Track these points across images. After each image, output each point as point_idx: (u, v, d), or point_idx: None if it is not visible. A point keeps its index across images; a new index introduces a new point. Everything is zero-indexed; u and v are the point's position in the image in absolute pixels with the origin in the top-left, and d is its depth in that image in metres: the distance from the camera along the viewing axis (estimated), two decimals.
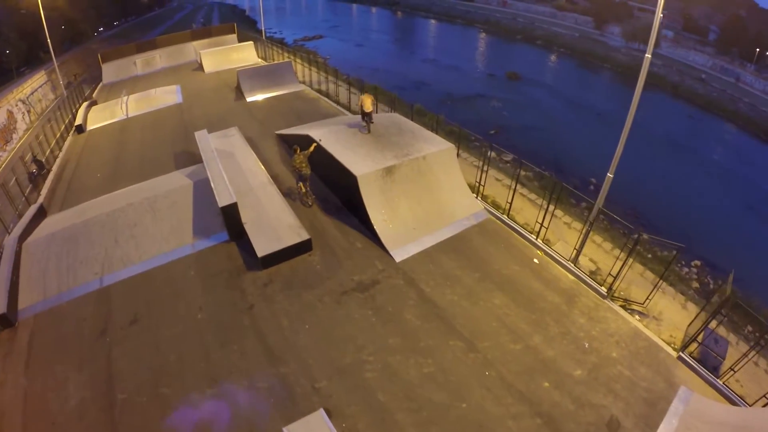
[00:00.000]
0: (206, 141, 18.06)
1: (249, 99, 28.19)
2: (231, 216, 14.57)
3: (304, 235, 14.44)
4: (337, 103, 27.32)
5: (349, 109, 26.22)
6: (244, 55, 38.95)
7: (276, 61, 38.07)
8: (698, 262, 22.64)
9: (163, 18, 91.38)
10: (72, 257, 14.16)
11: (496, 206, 17.29)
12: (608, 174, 13.09)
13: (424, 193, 15.93)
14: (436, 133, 18.67)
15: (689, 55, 66.78)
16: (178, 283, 13.75)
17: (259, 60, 39.06)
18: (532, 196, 19.30)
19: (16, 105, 35.95)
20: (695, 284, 19.18)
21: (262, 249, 13.90)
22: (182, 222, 15.52)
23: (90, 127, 28.02)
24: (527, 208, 17.62)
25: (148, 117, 28.29)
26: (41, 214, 17.19)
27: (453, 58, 53.68)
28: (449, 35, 73.96)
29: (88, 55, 55.07)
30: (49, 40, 32.64)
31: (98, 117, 29.12)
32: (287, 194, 17.14)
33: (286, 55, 37.51)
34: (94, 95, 37.01)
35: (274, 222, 15.03)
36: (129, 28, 76.59)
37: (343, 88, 28.24)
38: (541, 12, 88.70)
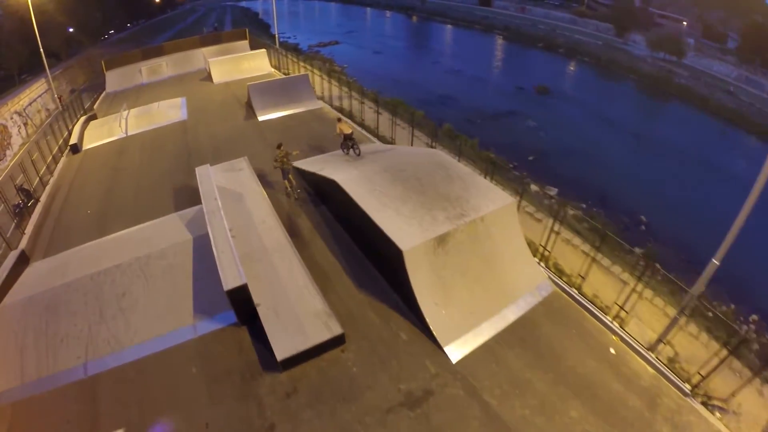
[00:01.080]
0: (209, 183, 14.24)
1: (261, 118, 24.42)
2: (240, 299, 10.69)
3: (336, 329, 10.75)
4: (362, 125, 23.28)
5: (377, 134, 22.21)
6: (256, 64, 35.12)
7: (291, 72, 34.29)
8: (756, 317, 18.46)
9: (174, 21, 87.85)
10: (52, 332, 11.19)
11: (559, 271, 13.79)
12: (713, 260, 10.10)
13: (482, 265, 12.17)
14: (473, 163, 14.67)
15: (713, 65, 62.30)
16: (177, 386, 10.36)
17: (272, 70, 35.22)
18: (584, 245, 15.34)
19: (11, 118, 32.29)
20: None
21: (282, 349, 10.29)
22: (180, 293, 11.99)
23: (86, 146, 24.79)
24: (574, 256, 14.21)
25: (149, 136, 24.82)
26: (23, 260, 14.26)
27: (477, 68, 49.53)
28: (469, 42, 69.68)
29: (94, 59, 51.49)
30: (41, 50, 28.91)
31: (95, 135, 25.75)
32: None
33: (301, 64, 33.65)
34: (95, 106, 33.55)
35: (295, 305, 11.26)
36: (139, 32, 73.09)
37: (368, 106, 24.27)
38: (560, 18, 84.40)
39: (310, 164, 17.26)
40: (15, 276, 13.20)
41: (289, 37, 68.70)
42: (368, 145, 20.09)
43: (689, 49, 63.41)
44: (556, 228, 13.13)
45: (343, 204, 13.33)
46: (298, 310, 11.17)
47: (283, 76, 32.45)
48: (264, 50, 35.95)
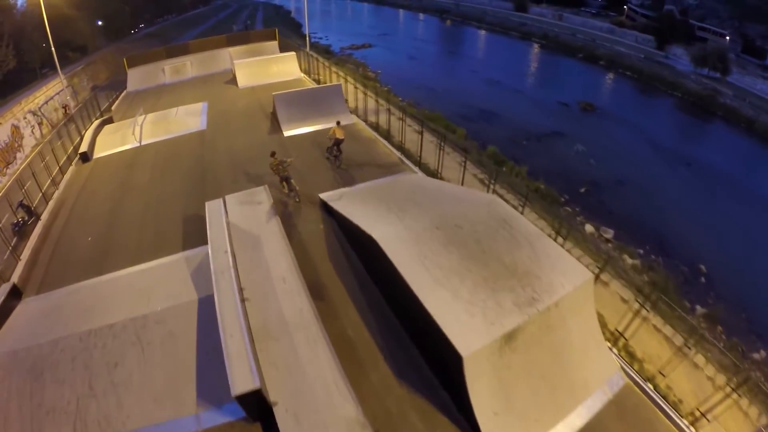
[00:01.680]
0: (219, 225, 11.59)
1: (287, 133, 21.63)
2: (252, 401, 8.00)
3: None
4: (401, 148, 20.32)
5: (419, 162, 19.24)
6: (285, 68, 32.41)
7: (321, 77, 31.54)
8: None
9: (204, 17, 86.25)
10: (37, 401, 9.19)
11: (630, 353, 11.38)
12: None
13: (551, 359, 9.33)
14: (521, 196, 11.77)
15: (756, 84, 57.72)
16: None
17: (302, 75, 32.45)
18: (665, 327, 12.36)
19: (24, 118, 30.24)
20: None
21: None
22: (181, 371, 9.50)
23: (98, 153, 22.41)
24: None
25: (164, 147, 22.28)
26: (15, 295, 12.31)
27: (517, 79, 46.07)
28: (507, 50, 66.07)
29: (120, 55, 49.67)
30: (53, 49, 26.64)
31: (108, 142, 23.33)
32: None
33: (332, 68, 30.84)
34: (113, 107, 31.18)
35: (321, 408, 8.59)
36: (168, 27, 71.43)
37: (406, 123, 21.30)
38: (599, 28, 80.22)
39: (341, 201, 14.40)
40: (5, 313, 11.47)
41: (321, 38, 66.03)
42: (410, 177, 17.11)
43: (733, 65, 59.11)
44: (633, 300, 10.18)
45: (382, 266, 10.45)
46: (325, 416, 8.40)
47: (313, 85, 29.73)
48: (293, 53, 33.24)
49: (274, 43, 39.61)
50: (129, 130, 23.70)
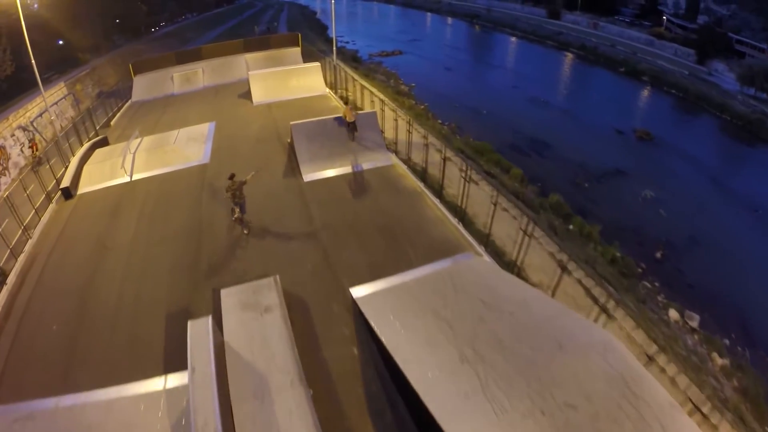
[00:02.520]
0: (205, 369, 6.78)
1: (307, 177, 16.33)
2: None
3: None
4: (456, 210, 14.87)
5: (486, 238, 13.76)
6: (308, 81, 27.11)
7: (350, 93, 26.19)
8: None
9: (227, 16, 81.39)
10: None
11: None
12: None
13: None
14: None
15: None
16: None
17: (327, 91, 27.03)
18: None
19: (12, 135, 25.28)
20: None
21: None
22: None
23: (82, 188, 17.70)
24: None
25: (156, 186, 17.42)
26: None
27: (562, 97, 40.06)
28: (544, 61, 59.90)
29: (133, 56, 44.89)
30: (34, 62, 21.55)
31: (95, 173, 18.51)
32: None
33: (361, 82, 25.51)
34: (113, 122, 26.42)
35: None
36: (188, 26, 66.70)
37: (452, 161, 15.97)
38: (636, 38, 73.48)
39: (381, 310, 9.23)
40: None
41: (348, 42, 60.42)
42: (474, 268, 11.57)
43: None
44: None
45: None
46: None
47: (341, 104, 24.36)
48: (318, 65, 27.87)
49: (297, 51, 34.30)
50: (120, 159, 18.63)
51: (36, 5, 38.98)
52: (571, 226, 20.80)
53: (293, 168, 17.06)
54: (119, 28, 49.49)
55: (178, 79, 31.17)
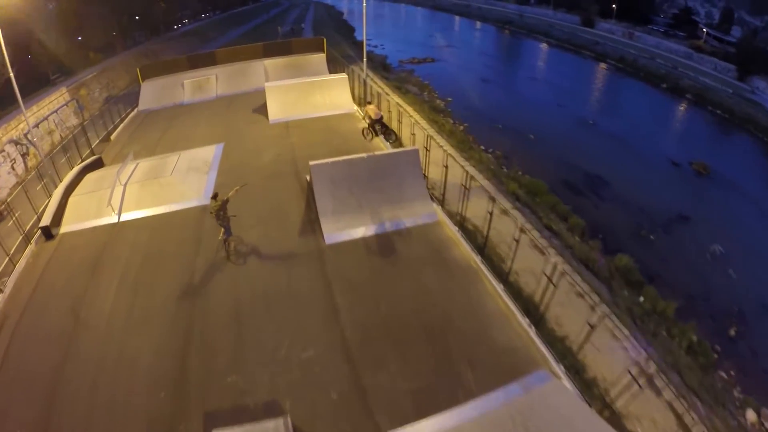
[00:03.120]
0: None
1: (330, 239, 12.21)
2: None
3: None
4: (505, 281, 10.71)
5: (561, 357, 9.60)
6: (333, 96, 23.00)
7: (381, 109, 21.96)
8: None
9: (251, 15, 77.70)
10: None
11: None
12: None
13: None
14: None
15: None
16: None
17: (355, 108, 22.81)
18: None
19: (2, 151, 21.75)
20: None
21: None
22: None
23: (65, 226, 14.32)
24: None
25: (146, 233, 13.67)
26: None
27: (610, 119, 34.87)
28: (583, 73, 54.81)
29: (148, 57, 41.34)
30: (12, 76, 17.70)
31: (81, 207, 15.02)
32: None
33: (393, 98, 21.32)
34: (113, 136, 22.83)
35: None
36: (210, 25, 63.18)
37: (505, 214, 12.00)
38: (675, 51, 67.84)
39: None
40: None
41: (376, 46, 55.95)
42: (557, 404, 7.40)
43: None
44: None
45: None
46: None
47: (369, 129, 20.15)
48: (345, 77, 23.67)
49: (321, 57, 30.24)
50: (108, 191, 14.82)
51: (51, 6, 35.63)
52: (642, 298, 16.64)
53: (312, 222, 12.96)
54: (137, 26, 46.00)
55: (189, 86, 27.40)
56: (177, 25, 59.60)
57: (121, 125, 24.66)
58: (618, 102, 42.41)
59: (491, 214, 11.85)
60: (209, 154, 18.10)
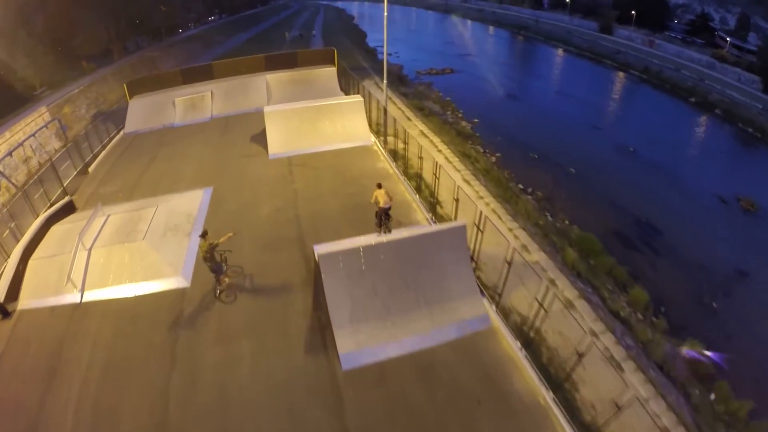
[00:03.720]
0: None
1: (346, 363, 8.28)
2: None
3: None
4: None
5: None
6: (345, 126, 19.05)
7: (399, 145, 18.19)
8: None
9: (260, 18, 73.81)
10: None
11: None
12: None
13: None
14: None
15: None
16: None
17: (372, 140, 18.78)
18: None
19: None
20: None
21: None
22: None
23: (23, 302, 11.20)
24: None
25: (111, 323, 10.26)
26: None
27: (649, 144, 30.26)
28: (610, 86, 50.37)
29: (144, 65, 37.50)
30: None
31: (41, 278, 11.74)
32: None
33: (415, 124, 17.41)
34: (92, 167, 19.12)
35: None
36: (216, 28, 59.14)
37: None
38: (697, 60, 63.51)
39: None
40: None
41: (390, 54, 51.56)
42: None
43: None
44: None
45: None
46: None
47: (390, 163, 16.27)
48: (360, 100, 19.64)
49: (332, 71, 26.37)
50: (71, 257, 11.13)
51: None
52: (713, 396, 12.84)
53: (321, 329, 9.12)
54: (136, 31, 42.24)
55: (181, 105, 23.62)
56: (181, 29, 55.91)
57: (103, 153, 20.89)
58: (652, 121, 38.00)
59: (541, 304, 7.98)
60: (194, 203, 14.29)
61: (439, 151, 19.61)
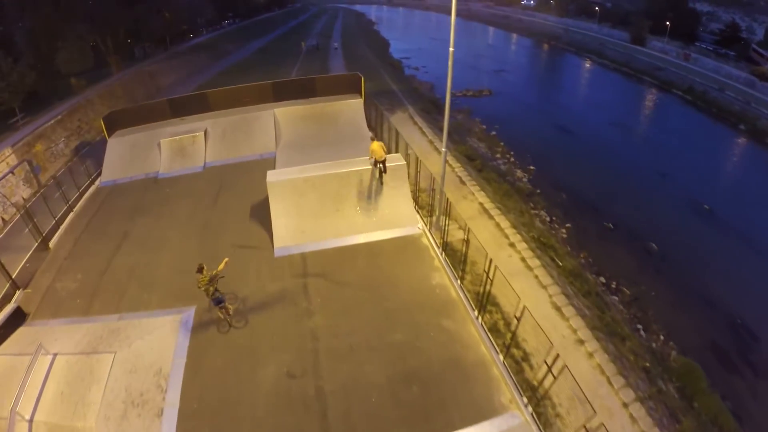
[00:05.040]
0: None
1: None
2: None
3: None
4: None
5: None
6: (381, 202, 12.89)
7: (455, 232, 12.32)
8: None
9: (275, 23, 67.68)
10: None
11: None
12: None
13: None
14: None
15: None
16: None
17: (418, 228, 12.80)
18: None
19: None
20: None
21: None
22: None
23: None
24: None
25: None
26: None
27: (729, 205, 23.55)
28: (658, 112, 43.55)
29: (140, 80, 31.77)
30: None
31: None
32: None
33: (473, 193, 11.44)
34: (53, 241, 14.25)
35: None
36: (228, 35, 53.18)
37: None
38: (735, 77, 56.63)
39: None
40: None
41: (417, 69, 45.00)
42: None
43: None
44: None
45: None
46: None
47: (449, 273, 10.38)
48: (403, 164, 13.42)
49: (358, 104, 20.45)
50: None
51: None
52: None
53: None
54: (135, 41, 36.53)
55: (168, 148, 17.90)
56: (192, 35, 50.13)
57: (71, 215, 15.37)
58: (715, 162, 31.41)
59: None
60: (166, 350, 8.75)
61: (512, 245, 13.70)
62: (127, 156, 18.02)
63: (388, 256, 11.48)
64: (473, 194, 16.01)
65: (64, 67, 26.09)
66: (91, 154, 19.64)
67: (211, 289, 9.10)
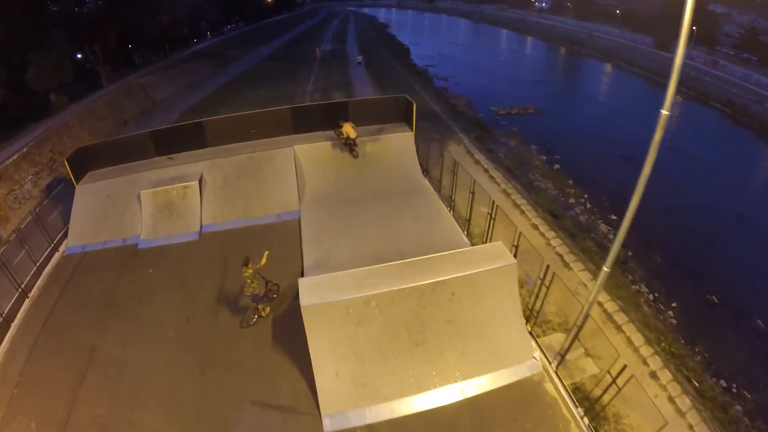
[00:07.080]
0: None
1: None
2: None
3: None
4: None
5: None
6: (483, 332, 7.57)
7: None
8: None
9: (285, 26, 62.24)
10: None
11: None
12: None
13: None
14: None
15: None
16: None
17: (538, 365, 7.33)
18: None
19: None
20: None
21: None
22: None
23: None
24: None
25: None
26: None
27: None
28: (707, 131, 37.71)
29: (131, 95, 26.46)
30: None
31: None
32: None
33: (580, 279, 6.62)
34: (10, 335, 8.43)
35: None
36: (234, 39, 47.81)
37: None
38: (765, 85, 51.55)
39: None
40: None
41: (447, 80, 39.00)
42: None
43: None
44: None
45: None
46: None
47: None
48: (514, 263, 8.18)
49: (407, 137, 14.98)
50: None
51: None
52: None
53: None
54: (128, 49, 31.39)
55: (150, 203, 12.64)
56: (196, 39, 44.97)
57: (20, 313, 10.24)
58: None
59: None
60: None
61: (653, 375, 8.54)
62: (99, 211, 12.82)
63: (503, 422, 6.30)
64: (585, 285, 10.67)
65: (35, 83, 20.95)
66: (63, 195, 14.64)
67: (255, 284, 8.78)
